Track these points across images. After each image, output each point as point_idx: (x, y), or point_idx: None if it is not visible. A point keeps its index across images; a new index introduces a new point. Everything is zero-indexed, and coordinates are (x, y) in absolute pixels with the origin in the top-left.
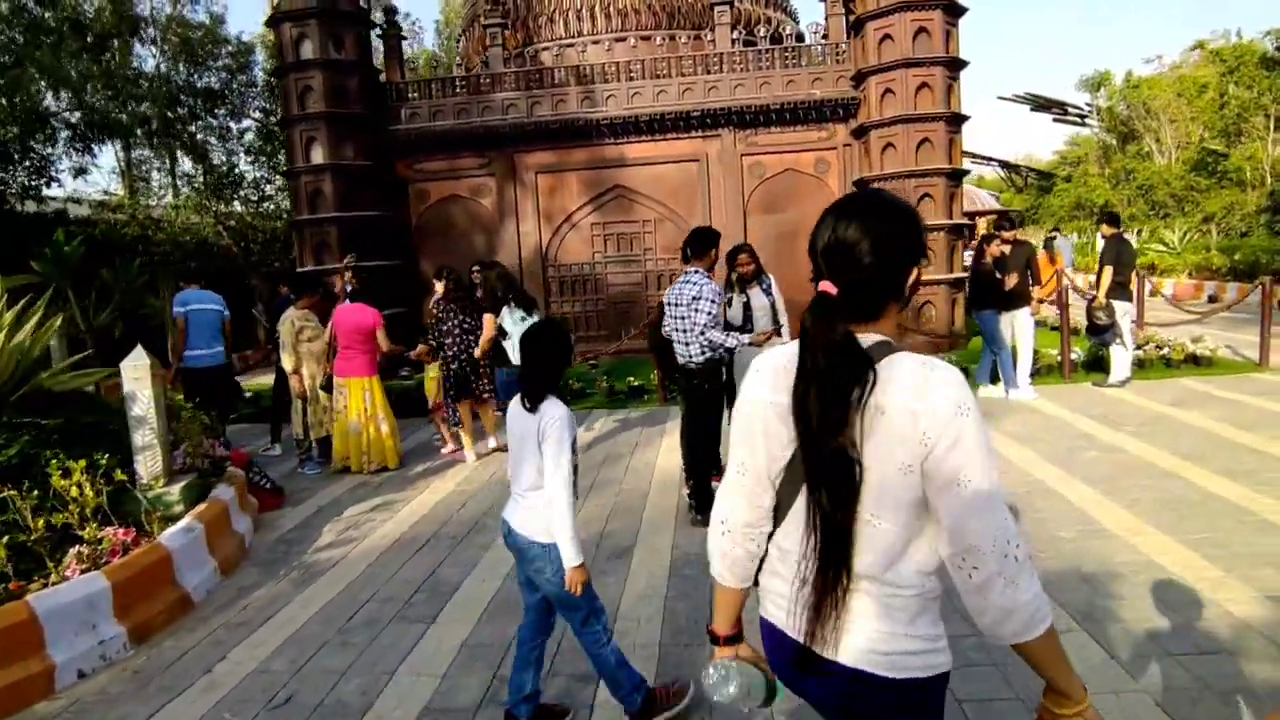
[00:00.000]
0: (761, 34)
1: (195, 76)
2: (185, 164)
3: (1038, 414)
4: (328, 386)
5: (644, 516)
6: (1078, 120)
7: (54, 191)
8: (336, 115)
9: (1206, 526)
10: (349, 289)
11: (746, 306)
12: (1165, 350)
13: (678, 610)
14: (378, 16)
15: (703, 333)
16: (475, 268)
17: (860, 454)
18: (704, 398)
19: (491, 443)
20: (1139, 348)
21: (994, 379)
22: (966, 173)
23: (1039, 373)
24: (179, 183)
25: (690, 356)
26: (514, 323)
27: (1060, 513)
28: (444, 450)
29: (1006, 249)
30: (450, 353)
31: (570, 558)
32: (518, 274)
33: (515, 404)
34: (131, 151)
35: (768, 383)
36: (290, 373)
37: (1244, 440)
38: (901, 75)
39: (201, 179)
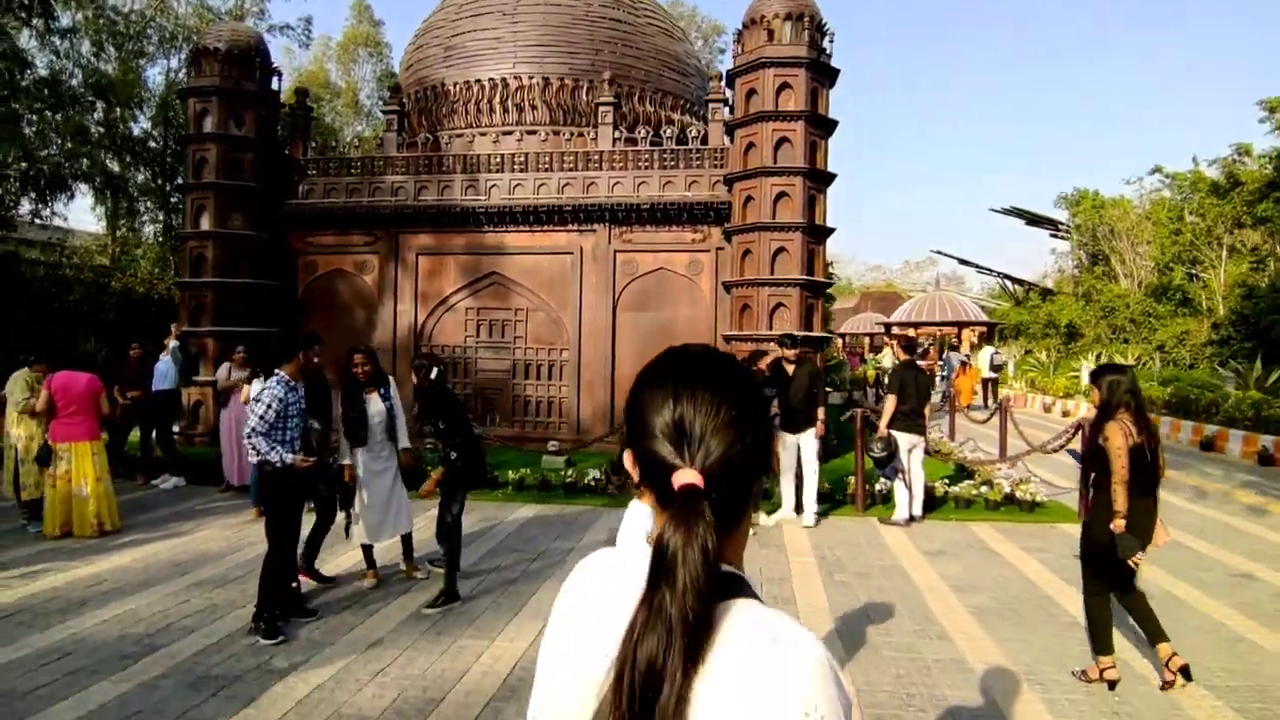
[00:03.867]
0: (667, 134)
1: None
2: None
3: (771, 548)
4: (44, 457)
5: None
6: (1067, 236)
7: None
8: (226, 186)
9: None
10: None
11: (362, 413)
12: (982, 489)
13: None
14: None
15: (248, 436)
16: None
17: None
18: (270, 506)
19: None
20: (957, 483)
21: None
22: (828, 284)
23: (845, 501)
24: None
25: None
26: None
27: None
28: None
29: (790, 367)
30: None
31: None
32: (391, 351)
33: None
34: (123, 204)
35: (599, 628)
36: (9, 430)
37: (939, 605)
38: (760, 183)
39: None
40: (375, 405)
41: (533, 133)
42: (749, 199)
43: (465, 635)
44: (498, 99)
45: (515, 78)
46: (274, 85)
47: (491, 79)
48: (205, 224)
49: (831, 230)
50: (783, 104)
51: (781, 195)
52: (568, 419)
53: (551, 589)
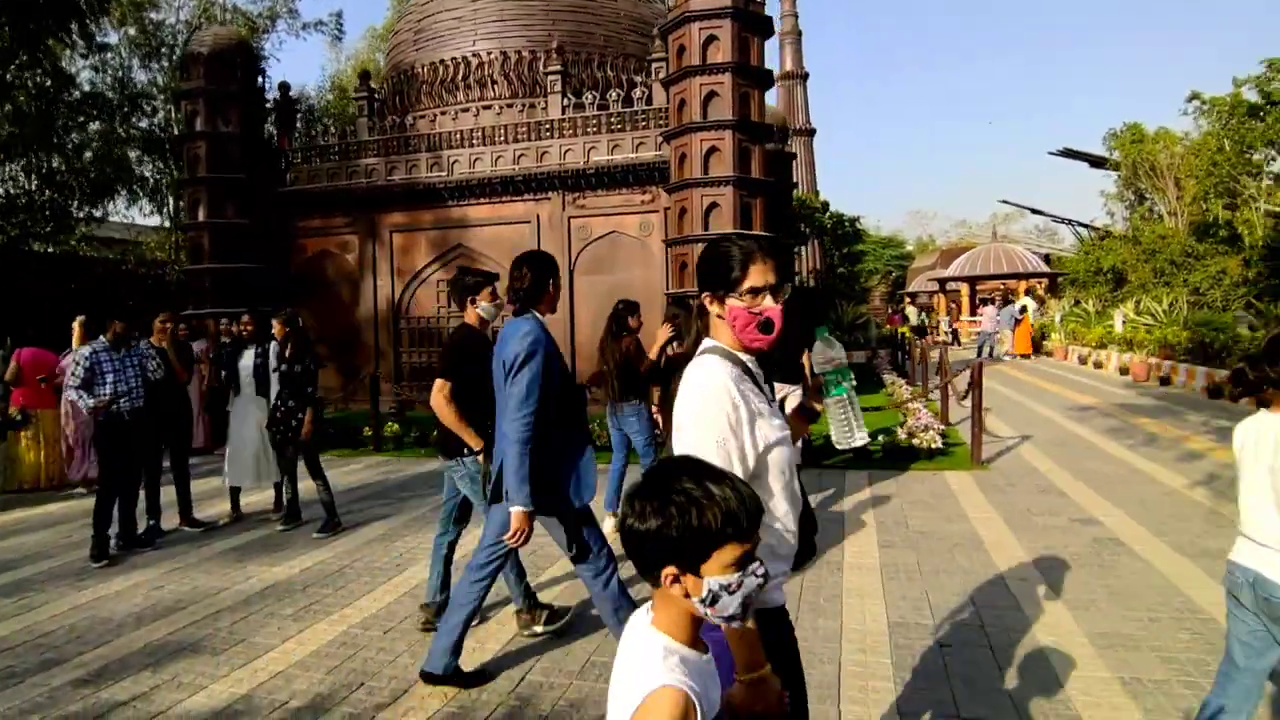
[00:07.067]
0: (613, 97)
1: None
2: None
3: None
4: (18, 423)
5: None
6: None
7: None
8: (216, 180)
9: None
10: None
11: (233, 366)
12: (879, 438)
13: None
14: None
15: (68, 388)
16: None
17: None
18: (100, 453)
19: None
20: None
21: None
22: (768, 238)
23: None
24: None
25: None
26: None
27: None
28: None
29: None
30: None
31: None
32: (374, 324)
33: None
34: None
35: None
36: None
37: None
38: (691, 139)
39: None
40: (246, 359)
41: (488, 107)
42: (683, 156)
43: (257, 562)
44: (460, 77)
45: (475, 55)
46: (259, 82)
47: (454, 58)
48: (201, 215)
49: (770, 182)
50: (710, 57)
51: (712, 150)
52: None
53: (374, 536)
